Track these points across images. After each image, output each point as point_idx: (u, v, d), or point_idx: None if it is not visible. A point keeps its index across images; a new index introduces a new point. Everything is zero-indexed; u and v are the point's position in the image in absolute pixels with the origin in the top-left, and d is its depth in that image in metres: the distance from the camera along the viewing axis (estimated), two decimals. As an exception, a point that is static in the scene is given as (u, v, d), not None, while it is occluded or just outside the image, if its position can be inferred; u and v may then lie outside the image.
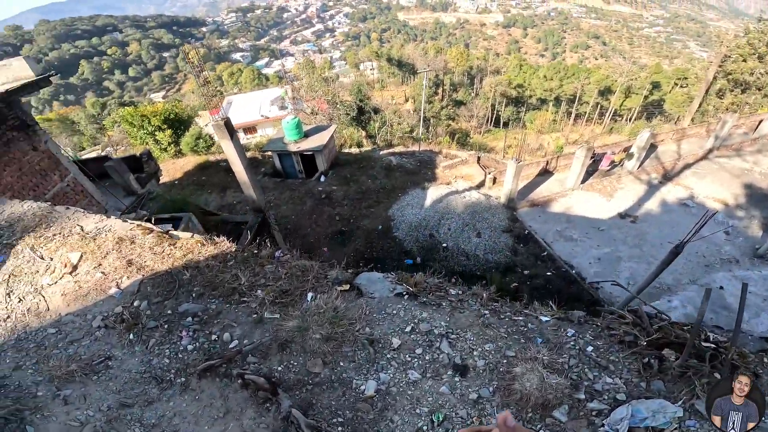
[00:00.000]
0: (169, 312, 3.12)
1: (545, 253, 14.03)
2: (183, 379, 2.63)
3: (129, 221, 4.21)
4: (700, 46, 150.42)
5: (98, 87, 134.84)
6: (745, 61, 26.83)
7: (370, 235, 15.73)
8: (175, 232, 4.14)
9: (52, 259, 3.73)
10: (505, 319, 3.26)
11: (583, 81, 50.45)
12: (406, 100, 49.89)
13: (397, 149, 24.14)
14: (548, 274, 13.14)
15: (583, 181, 17.17)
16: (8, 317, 3.22)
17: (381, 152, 22.97)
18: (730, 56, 27.62)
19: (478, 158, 20.76)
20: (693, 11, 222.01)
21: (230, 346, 2.89)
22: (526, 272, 13.42)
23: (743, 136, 19.73)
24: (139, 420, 2.42)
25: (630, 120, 50.29)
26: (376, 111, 28.69)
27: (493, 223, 15.71)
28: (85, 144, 43.81)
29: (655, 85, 49.70)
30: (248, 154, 24.87)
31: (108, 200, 10.69)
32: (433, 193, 17.73)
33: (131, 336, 2.95)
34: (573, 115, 53.25)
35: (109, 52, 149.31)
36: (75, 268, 3.59)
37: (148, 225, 4.14)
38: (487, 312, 3.33)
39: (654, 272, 8.59)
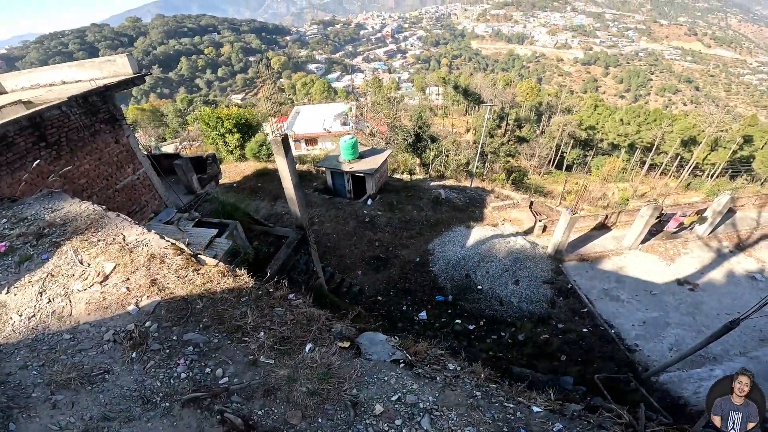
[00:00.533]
0: (174, 338, 3.20)
1: (585, 310, 13.42)
2: (167, 404, 2.69)
3: (165, 238, 4.28)
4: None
5: (190, 83, 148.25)
6: None
7: (406, 266, 15.69)
8: (202, 257, 4.20)
9: (89, 265, 3.87)
10: (495, 403, 3.12)
11: (665, 128, 45.91)
12: (467, 131, 49.17)
13: (448, 182, 23.95)
14: (584, 330, 12.59)
15: (643, 242, 16.00)
16: (34, 316, 3.37)
17: (431, 183, 22.91)
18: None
19: (531, 203, 19.96)
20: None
21: (220, 381, 2.95)
22: (560, 326, 12.89)
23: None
24: (114, 435, 2.50)
25: (712, 176, 45.71)
26: (434, 140, 28.72)
27: (535, 273, 15.10)
28: (167, 136, 48.23)
29: (747, 140, 44.49)
30: (304, 167, 25.98)
31: (170, 196, 11.43)
32: (477, 233, 17.31)
33: (134, 354, 3.04)
34: (647, 165, 49.25)
35: (206, 51, 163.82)
36: (106, 278, 3.72)
37: (180, 245, 4.21)
38: (479, 393, 3.20)
39: (701, 342, 8.24)
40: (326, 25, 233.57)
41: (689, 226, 16.56)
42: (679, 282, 14.40)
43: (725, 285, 14.33)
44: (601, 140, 52.51)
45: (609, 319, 12.97)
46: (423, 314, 13.51)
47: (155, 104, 69.28)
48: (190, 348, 3.14)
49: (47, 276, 3.77)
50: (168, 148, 37.94)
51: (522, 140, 50.09)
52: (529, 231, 17.87)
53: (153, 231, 4.42)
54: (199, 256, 4.21)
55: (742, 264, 15.20)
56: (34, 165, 7.03)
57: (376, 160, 20.06)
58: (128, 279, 3.69)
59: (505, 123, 54.29)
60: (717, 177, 44.78)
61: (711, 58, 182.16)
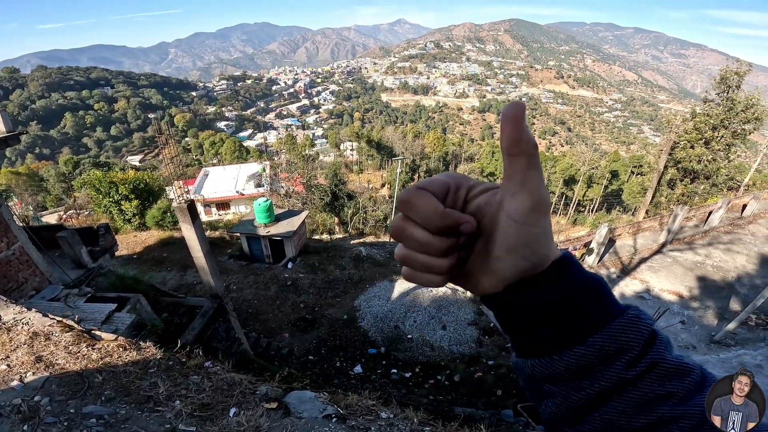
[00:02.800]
0: (72, 411, 2.99)
1: (509, 344, 14.15)
2: None
3: (50, 316, 4.12)
4: (653, 131, 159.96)
5: (76, 143, 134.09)
6: (692, 147, 26.55)
7: (334, 324, 15.45)
8: (98, 333, 4.03)
9: None
10: (428, 450, 3.04)
11: (549, 169, 52.34)
12: (383, 185, 51.27)
13: (368, 239, 24.44)
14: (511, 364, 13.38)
15: None
16: None
17: (351, 241, 23.17)
18: (678, 143, 27.08)
19: (447, 250, 21.09)
20: (646, 93, 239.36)
21: None
22: (490, 362, 13.40)
23: (694, 229, 21.06)
24: None
25: (592, 210, 53.10)
26: (351, 197, 29.46)
27: (459, 316, 15.81)
28: (49, 204, 42.35)
29: (614, 174, 52.47)
30: (216, 234, 24.60)
31: (53, 272, 10.18)
32: (401, 286, 17.73)
33: (25, 427, 2.82)
34: (539, 205, 55.69)
35: (96, 106, 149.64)
36: None
37: (69, 322, 4.06)
38: (412, 440, 3.19)
39: None
40: (236, 81, 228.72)
41: (580, 258, 18.50)
42: None
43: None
44: (501, 185, 58.35)
45: None
46: (358, 368, 13.35)
47: (33, 167, 61.19)
48: (93, 420, 2.91)
49: None
50: (50, 218, 33.20)
51: (433, 191, 53.45)
52: (448, 278, 18.72)
53: (34, 309, 4.24)
54: (92, 331, 4.05)
55: (630, 286, 17.27)
56: None
57: (293, 222, 19.82)
58: (8, 356, 3.47)
59: (417, 175, 57.96)
60: (596, 211, 52.13)
61: (576, 99, 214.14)
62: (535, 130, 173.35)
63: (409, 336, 14.85)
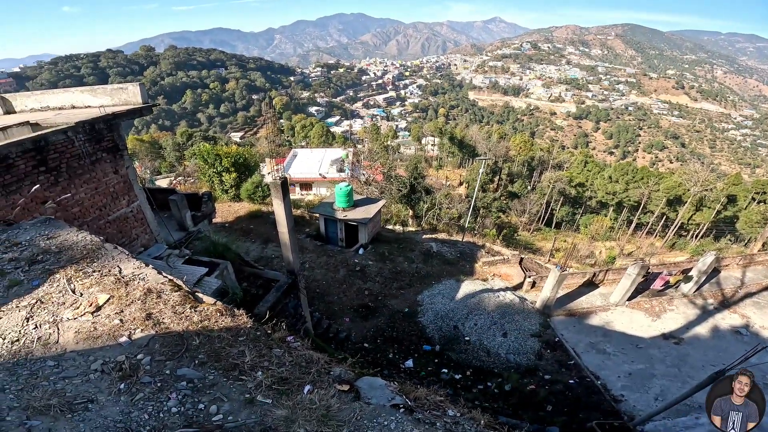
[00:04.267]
0: (167, 372, 3.10)
1: (572, 362, 13.61)
2: None
3: (163, 274, 4.26)
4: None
5: (192, 117, 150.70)
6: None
7: (394, 316, 15.62)
8: (200, 295, 4.16)
9: (82, 294, 3.81)
10: (495, 450, 2.95)
11: (651, 187, 46.77)
12: (461, 184, 50.09)
13: (440, 236, 24.23)
14: (570, 381, 12.69)
15: (629, 299, 16.34)
16: (17, 340, 3.28)
17: (423, 236, 23.16)
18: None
19: (521, 259, 20.17)
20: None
21: (213, 419, 2.82)
22: (547, 377, 12.96)
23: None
24: (91, 468, 2.33)
25: (696, 236, 46.61)
26: (428, 192, 29.36)
27: (523, 326, 15.27)
28: (163, 170, 48.43)
29: (731, 199, 45.24)
30: (298, 212, 26.17)
31: (161, 231, 11.21)
32: (467, 287, 17.36)
33: (122, 385, 2.92)
34: (633, 224, 50.26)
35: (211, 85, 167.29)
36: (99, 309, 3.66)
37: (178, 282, 4.18)
38: (478, 439, 3.12)
39: (686, 392, 8.39)
40: (330, 69, 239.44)
41: (675, 284, 16.98)
42: (665, 336, 14.74)
43: (710, 339, 14.72)
44: (590, 198, 53.60)
45: (595, 371, 13.17)
46: (409, 362, 13.40)
47: (155, 136, 70.12)
48: (183, 383, 3.02)
49: (36, 302, 3.72)
50: (162, 182, 38.05)
51: (514, 196, 51.13)
52: (518, 286, 17.96)
53: (150, 266, 4.38)
54: (196, 293, 4.16)
55: (726, 320, 15.59)
56: (32, 190, 6.88)
57: (370, 210, 20.31)
58: (122, 311, 3.63)
59: (498, 177, 55.66)
60: (701, 237, 45.67)
61: (697, 112, 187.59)
62: (640, 143, 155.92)
63: (467, 338, 14.63)
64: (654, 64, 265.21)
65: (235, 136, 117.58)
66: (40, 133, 7.19)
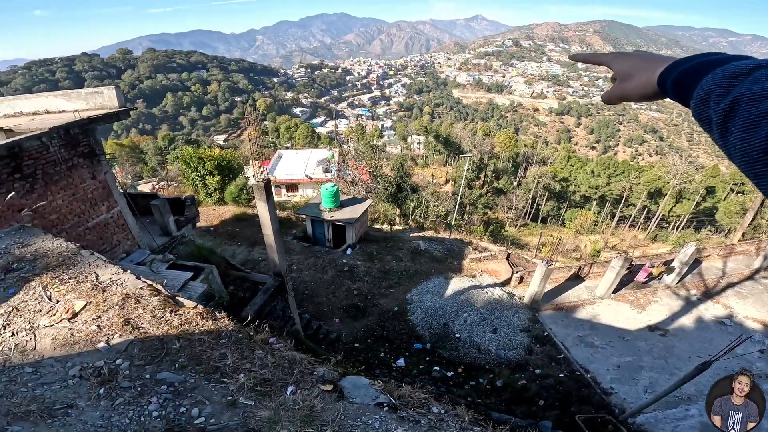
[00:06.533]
0: (147, 376, 3.11)
1: (561, 356, 13.85)
2: None
3: (141, 279, 4.24)
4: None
5: (173, 121, 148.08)
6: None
7: (384, 315, 15.67)
8: (180, 299, 4.15)
9: (58, 301, 3.80)
10: (480, 447, 3.02)
11: (632, 180, 48.09)
12: (447, 181, 50.43)
13: (427, 233, 24.35)
14: (561, 375, 12.91)
15: (614, 291, 16.65)
16: None
17: (411, 234, 23.25)
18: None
19: (508, 255, 20.40)
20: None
21: (196, 421, 2.83)
22: (537, 371, 13.15)
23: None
24: (75, 473, 2.30)
25: (677, 228, 47.64)
26: (414, 190, 29.44)
27: (512, 322, 15.46)
28: (145, 174, 47.54)
29: (710, 191, 46.63)
30: (284, 214, 26.00)
31: (144, 237, 11.12)
32: (456, 284, 17.49)
33: (101, 390, 2.92)
34: (617, 217, 51.34)
35: (192, 88, 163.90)
36: (75, 315, 3.64)
37: (157, 286, 4.18)
38: (462, 437, 3.17)
39: (675, 384, 8.51)
40: (314, 69, 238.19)
41: (658, 276, 17.35)
42: (651, 328, 15.06)
43: (695, 330, 15.07)
44: (574, 192, 54.48)
45: (584, 365, 13.41)
46: (401, 361, 13.46)
47: (135, 140, 68.74)
48: (164, 387, 3.03)
49: (12, 310, 3.71)
50: (144, 187, 37.36)
51: (500, 192, 51.64)
52: (506, 282, 18.15)
53: (129, 271, 4.37)
54: (177, 297, 4.16)
55: (710, 311, 15.99)
56: (7, 198, 6.75)
57: (357, 210, 20.28)
58: (100, 317, 3.62)
59: (483, 174, 56.12)
60: (682, 228, 46.83)
61: (674, 106, 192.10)
62: (620, 137, 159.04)
63: (458, 335, 14.75)
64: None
65: (219, 139, 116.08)
66: (13, 139, 7.04)
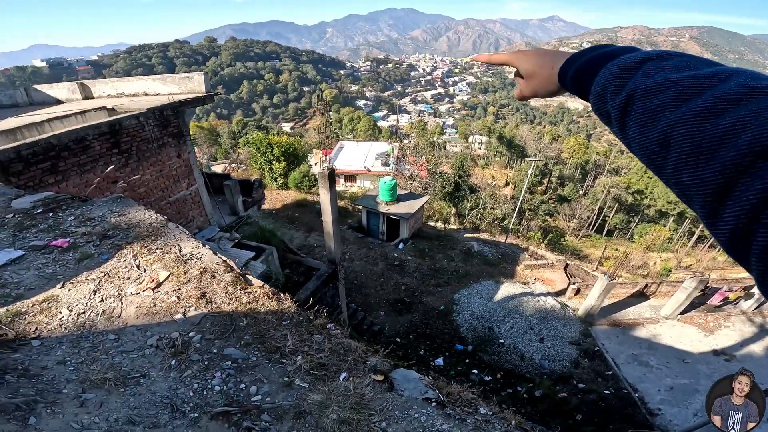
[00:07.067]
0: (215, 351, 3.21)
1: (610, 372, 13.30)
2: (196, 415, 2.65)
3: (218, 255, 4.41)
4: None
5: (247, 107, 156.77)
6: None
7: (429, 312, 15.64)
8: (249, 277, 4.29)
9: (145, 270, 4.01)
10: (524, 450, 2.98)
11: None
12: (507, 184, 48.55)
13: (482, 235, 23.77)
14: (605, 392, 12.43)
15: (682, 312, 15.52)
16: (83, 313, 3.41)
17: (465, 234, 22.83)
18: None
19: (567, 265, 19.40)
20: None
21: (252, 399, 2.91)
22: (581, 386, 12.68)
23: None
24: (137, 439, 2.49)
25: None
26: (473, 191, 28.81)
27: (562, 333, 14.89)
28: (219, 156, 51.06)
29: None
30: (341, 203, 26.69)
31: (214, 215, 11.84)
32: (507, 289, 17.00)
33: (173, 362, 3.03)
34: (695, 237, 46.51)
35: (266, 77, 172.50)
36: (159, 285, 3.82)
37: (231, 263, 4.32)
38: (508, 438, 3.13)
39: None
40: (379, 63, 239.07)
41: (734, 301, 15.98)
42: (716, 352, 14.07)
43: (765, 357, 13.91)
44: (649, 206, 50.10)
45: (634, 383, 12.84)
46: (440, 360, 13.45)
47: (214, 124, 73.81)
48: (228, 362, 3.12)
49: (104, 276, 3.88)
50: (217, 168, 40.08)
51: (563, 199, 48.87)
52: (560, 292, 17.36)
53: (207, 246, 4.53)
54: (246, 275, 4.28)
55: None
56: (108, 169, 7.43)
57: (412, 205, 20.30)
58: (179, 289, 3.76)
59: (547, 180, 53.42)
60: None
61: None
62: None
63: (501, 341, 14.46)
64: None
65: (286, 127, 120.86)
66: (115, 117, 7.79)
